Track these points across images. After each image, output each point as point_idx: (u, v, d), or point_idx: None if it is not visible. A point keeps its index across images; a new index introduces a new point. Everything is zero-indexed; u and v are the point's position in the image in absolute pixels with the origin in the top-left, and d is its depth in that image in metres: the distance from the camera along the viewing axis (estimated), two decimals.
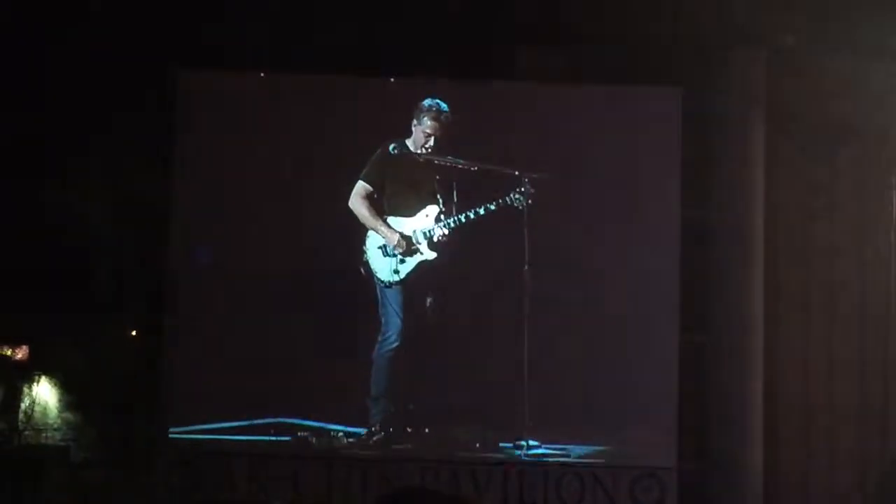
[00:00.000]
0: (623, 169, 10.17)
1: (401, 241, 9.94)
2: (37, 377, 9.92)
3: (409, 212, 10.03)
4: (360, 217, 9.96)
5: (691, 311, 9.94)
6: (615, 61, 9.89)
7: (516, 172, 9.84)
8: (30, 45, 9.66)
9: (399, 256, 9.97)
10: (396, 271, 9.98)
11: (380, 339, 9.99)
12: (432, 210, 10.01)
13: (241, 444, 9.78)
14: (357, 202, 9.96)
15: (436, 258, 9.97)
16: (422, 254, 10.00)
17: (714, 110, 10.04)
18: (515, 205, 9.80)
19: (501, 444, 9.83)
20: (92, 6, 9.58)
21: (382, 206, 10.01)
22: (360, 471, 9.76)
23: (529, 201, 9.82)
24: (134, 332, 10.04)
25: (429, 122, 9.93)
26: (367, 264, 10.02)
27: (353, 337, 10.01)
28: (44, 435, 9.91)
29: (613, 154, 10.18)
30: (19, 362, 9.92)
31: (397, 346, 9.97)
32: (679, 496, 9.71)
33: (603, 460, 9.82)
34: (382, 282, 9.99)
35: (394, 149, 9.96)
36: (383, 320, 10.00)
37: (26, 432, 9.87)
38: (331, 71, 10.03)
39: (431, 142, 9.94)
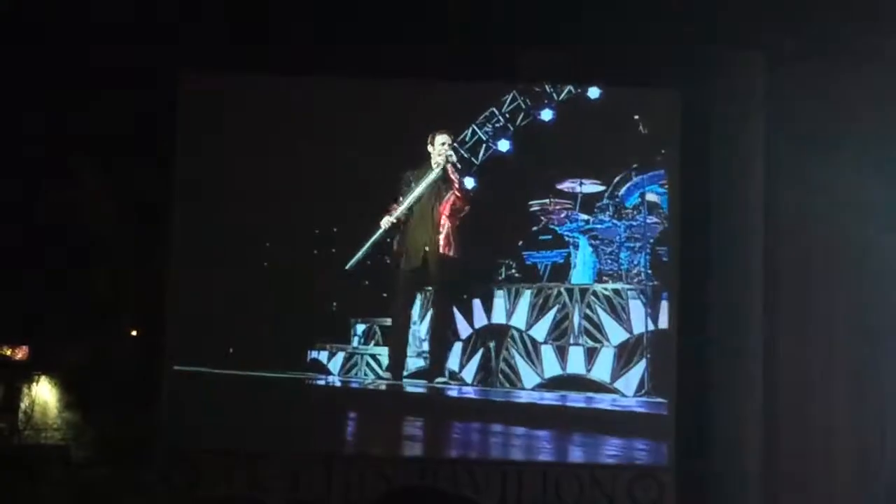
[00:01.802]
0: (620, 170, 10.32)
1: None
2: (36, 377, 9.92)
3: None
4: None
5: (690, 315, 9.98)
6: (613, 63, 9.92)
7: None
8: (29, 43, 9.62)
9: None
10: None
11: None
12: None
13: (240, 442, 9.80)
14: None
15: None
16: None
17: (713, 113, 10.06)
18: None
19: None
20: (92, 5, 9.55)
21: None
22: (358, 469, 9.77)
23: None
24: (134, 332, 10.04)
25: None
26: None
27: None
28: (43, 435, 9.89)
29: (611, 155, 10.29)
30: (19, 362, 9.92)
31: None
32: (677, 496, 9.76)
33: (601, 460, 9.90)
34: None
35: None
36: None
37: (26, 432, 9.86)
38: (332, 73, 10.06)
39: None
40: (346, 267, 10.29)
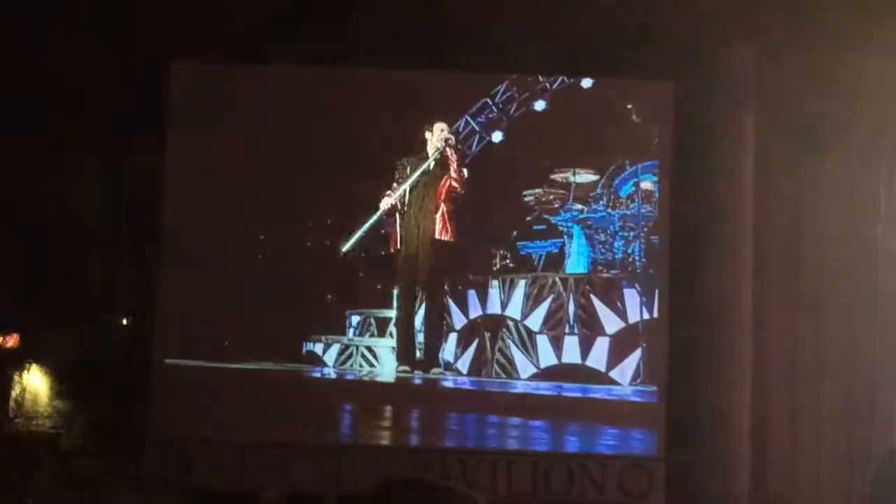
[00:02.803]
0: (614, 159, 10.36)
1: None
2: (28, 365, 9.97)
3: None
4: None
5: (681, 305, 9.97)
6: (606, 56, 9.91)
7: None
8: (19, 38, 9.66)
9: None
10: None
11: None
12: None
13: (231, 433, 9.81)
14: None
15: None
16: None
17: (704, 106, 10.02)
18: None
19: None
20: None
21: None
22: (349, 459, 9.76)
23: None
24: (125, 321, 10.07)
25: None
26: None
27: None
28: (34, 423, 9.95)
29: (605, 144, 10.32)
30: (10, 350, 9.97)
31: None
32: (666, 487, 9.73)
33: (592, 450, 9.88)
34: None
35: None
36: None
37: (17, 420, 9.91)
38: (326, 63, 10.07)
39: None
40: (343, 249, 10.29)
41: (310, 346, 10.54)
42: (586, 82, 10.39)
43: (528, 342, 10.39)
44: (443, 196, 10.34)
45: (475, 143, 10.61)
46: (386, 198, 10.35)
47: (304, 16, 9.77)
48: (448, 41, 9.86)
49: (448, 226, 10.33)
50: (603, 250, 10.59)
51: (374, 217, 10.34)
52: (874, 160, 9.91)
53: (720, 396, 9.76)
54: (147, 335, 9.89)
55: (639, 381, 10.12)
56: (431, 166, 10.36)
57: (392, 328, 10.54)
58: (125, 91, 9.67)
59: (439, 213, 10.33)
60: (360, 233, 10.30)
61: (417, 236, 10.36)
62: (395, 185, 10.37)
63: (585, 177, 10.54)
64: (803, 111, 9.81)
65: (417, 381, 10.38)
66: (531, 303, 10.47)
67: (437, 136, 10.33)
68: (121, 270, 9.93)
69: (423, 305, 10.44)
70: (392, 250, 10.41)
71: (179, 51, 9.82)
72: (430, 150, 10.38)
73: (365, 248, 10.37)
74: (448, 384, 10.41)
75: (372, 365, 10.55)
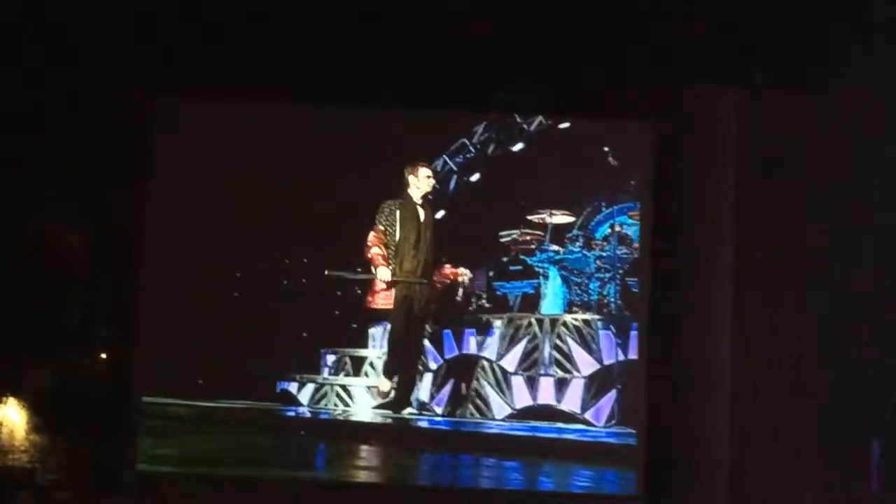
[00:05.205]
0: (590, 201, 10.42)
1: None
2: (4, 399, 9.89)
3: None
4: None
5: (659, 347, 10.01)
6: (585, 96, 10.00)
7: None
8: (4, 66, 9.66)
9: None
10: None
11: None
12: None
13: (206, 470, 9.75)
14: None
15: None
16: None
17: (684, 148, 10.12)
18: None
19: None
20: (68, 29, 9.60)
21: None
22: (324, 498, 9.72)
23: None
24: (104, 355, 10.02)
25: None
26: None
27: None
28: (10, 457, 9.86)
29: (581, 186, 10.40)
30: None
31: None
32: None
33: (571, 491, 9.88)
34: None
35: None
36: None
37: None
38: (304, 102, 10.11)
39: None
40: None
41: (284, 385, 10.49)
42: (564, 124, 10.48)
43: (503, 383, 10.40)
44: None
45: (453, 183, 10.67)
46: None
47: (286, 56, 9.82)
48: (427, 81, 9.93)
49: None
50: (579, 292, 10.64)
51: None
52: (856, 202, 9.99)
53: (698, 440, 9.78)
54: (124, 370, 9.82)
55: (613, 422, 10.15)
56: (422, 217, 10.40)
57: (367, 367, 10.52)
58: (107, 125, 9.66)
59: (425, 258, 10.38)
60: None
61: (407, 280, 10.40)
62: (377, 225, 10.38)
63: (562, 218, 10.60)
64: (784, 150, 9.90)
65: (392, 421, 10.36)
66: (507, 343, 10.49)
67: (423, 182, 10.38)
68: (99, 305, 9.88)
69: (401, 345, 10.42)
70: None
71: (163, 87, 9.82)
72: (414, 194, 10.41)
73: (342, 286, 10.37)
74: (423, 424, 10.39)
75: (347, 404, 10.52)
